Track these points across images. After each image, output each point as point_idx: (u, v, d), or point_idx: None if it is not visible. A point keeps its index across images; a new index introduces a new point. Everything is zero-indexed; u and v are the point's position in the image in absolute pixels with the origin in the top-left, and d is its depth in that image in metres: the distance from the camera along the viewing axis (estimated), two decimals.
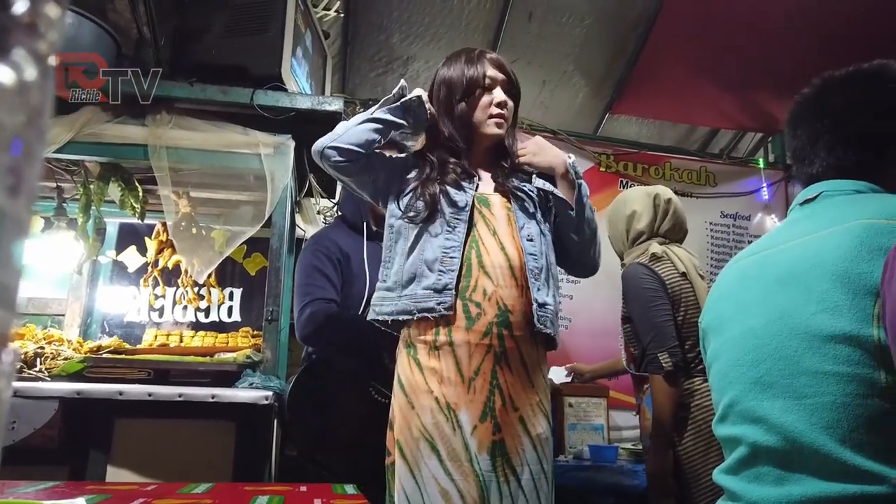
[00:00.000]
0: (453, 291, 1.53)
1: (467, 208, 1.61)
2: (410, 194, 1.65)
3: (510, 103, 1.70)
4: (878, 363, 0.85)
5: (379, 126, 1.62)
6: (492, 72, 1.70)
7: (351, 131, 1.61)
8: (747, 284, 1.11)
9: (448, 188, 1.63)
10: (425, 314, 1.53)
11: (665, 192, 2.34)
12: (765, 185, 3.93)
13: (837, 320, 0.89)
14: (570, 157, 1.69)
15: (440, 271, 1.55)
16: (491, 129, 1.67)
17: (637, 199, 2.32)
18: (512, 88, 1.73)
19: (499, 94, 1.68)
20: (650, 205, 2.29)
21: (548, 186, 1.67)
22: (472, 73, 1.68)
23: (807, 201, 1.09)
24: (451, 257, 1.56)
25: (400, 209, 1.65)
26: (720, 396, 1.11)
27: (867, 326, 0.86)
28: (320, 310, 1.99)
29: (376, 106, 1.64)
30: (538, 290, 1.58)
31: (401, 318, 1.57)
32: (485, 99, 1.68)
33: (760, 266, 1.10)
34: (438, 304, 1.53)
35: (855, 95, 1.08)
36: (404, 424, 1.53)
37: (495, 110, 1.67)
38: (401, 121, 1.64)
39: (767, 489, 0.96)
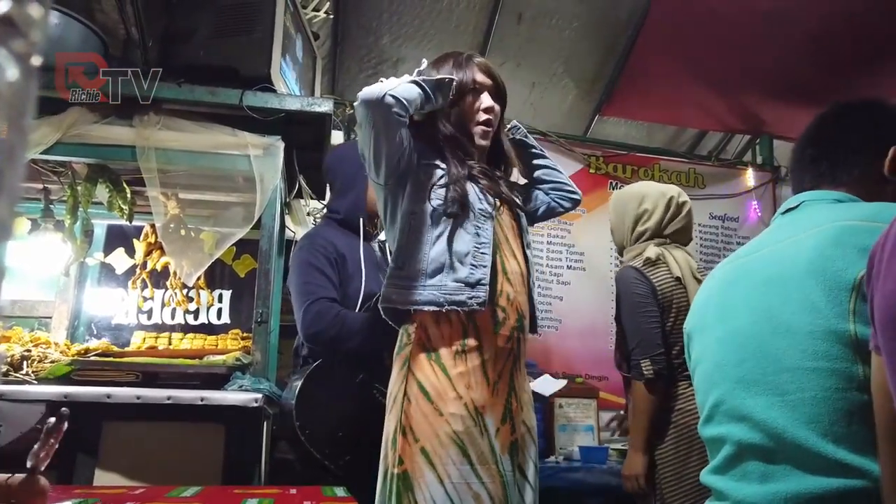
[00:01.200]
0: (487, 288, 1.52)
1: (494, 210, 1.62)
2: (444, 188, 1.60)
3: (497, 108, 1.70)
4: (856, 357, 0.88)
5: (420, 92, 1.56)
6: (480, 77, 1.69)
7: (403, 87, 1.53)
8: (731, 288, 1.15)
9: (475, 187, 1.63)
10: (455, 307, 1.50)
11: (681, 194, 2.32)
12: (753, 186, 3.95)
13: (816, 317, 0.92)
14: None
15: (472, 265, 1.53)
16: (476, 138, 1.68)
17: (651, 198, 2.28)
18: (499, 94, 1.72)
19: (486, 100, 1.67)
20: (664, 205, 2.26)
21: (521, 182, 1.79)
22: (460, 78, 1.67)
23: (789, 210, 1.15)
24: (482, 253, 1.55)
25: (428, 198, 1.60)
26: (705, 398, 1.13)
27: (844, 322, 0.89)
28: (326, 308, 1.92)
29: (410, 77, 1.57)
30: (536, 295, 1.67)
31: (426, 308, 1.52)
32: (473, 104, 1.68)
33: (743, 270, 1.14)
34: (470, 298, 1.50)
35: (840, 123, 1.16)
36: (430, 432, 1.48)
37: (482, 116, 1.67)
38: (432, 96, 1.59)
39: (753, 487, 0.98)
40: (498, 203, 1.66)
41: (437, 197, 1.59)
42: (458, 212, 1.56)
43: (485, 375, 1.52)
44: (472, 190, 1.62)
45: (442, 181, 1.61)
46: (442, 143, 1.67)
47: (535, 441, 1.61)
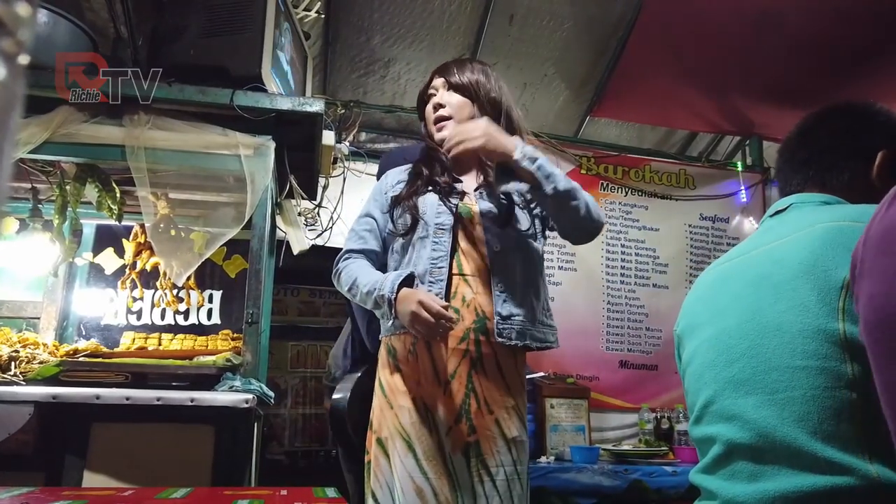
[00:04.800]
0: (444, 301, 1.56)
1: (451, 220, 1.64)
2: (399, 208, 1.69)
3: (453, 100, 1.72)
4: (845, 356, 0.89)
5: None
6: (433, 82, 1.77)
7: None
8: (721, 289, 1.16)
9: (433, 199, 1.67)
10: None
11: None
12: (743, 187, 3.97)
13: (805, 316, 0.93)
14: (518, 142, 1.58)
15: (430, 282, 1.59)
16: (437, 135, 1.72)
17: None
18: (452, 84, 1.73)
19: (435, 99, 1.74)
20: None
21: (512, 187, 1.65)
22: (420, 93, 1.79)
23: (777, 212, 1.16)
24: (438, 267, 1.60)
25: (390, 223, 1.71)
26: (695, 398, 1.14)
27: (833, 321, 0.90)
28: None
29: (371, 292, 1.60)
30: (503, 302, 1.59)
31: (399, 332, 1.61)
32: (429, 110, 1.75)
33: (733, 271, 1.15)
34: None
35: (831, 126, 1.17)
36: (384, 423, 1.58)
37: (433, 115, 1.73)
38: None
39: (742, 486, 0.98)
40: (467, 206, 1.67)
41: (396, 220, 1.70)
42: (407, 230, 1.65)
43: (435, 374, 1.56)
44: (431, 203, 1.66)
45: (399, 202, 1.69)
46: (427, 159, 1.75)
47: (517, 449, 1.56)
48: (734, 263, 1.17)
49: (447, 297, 1.58)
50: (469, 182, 1.74)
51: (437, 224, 1.63)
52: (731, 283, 1.13)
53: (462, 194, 1.70)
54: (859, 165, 1.10)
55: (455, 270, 1.61)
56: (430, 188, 1.69)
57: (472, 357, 1.56)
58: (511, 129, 1.71)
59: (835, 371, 0.89)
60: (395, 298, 1.52)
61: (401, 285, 1.54)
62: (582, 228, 1.67)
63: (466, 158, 1.66)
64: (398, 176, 1.78)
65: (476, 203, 1.68)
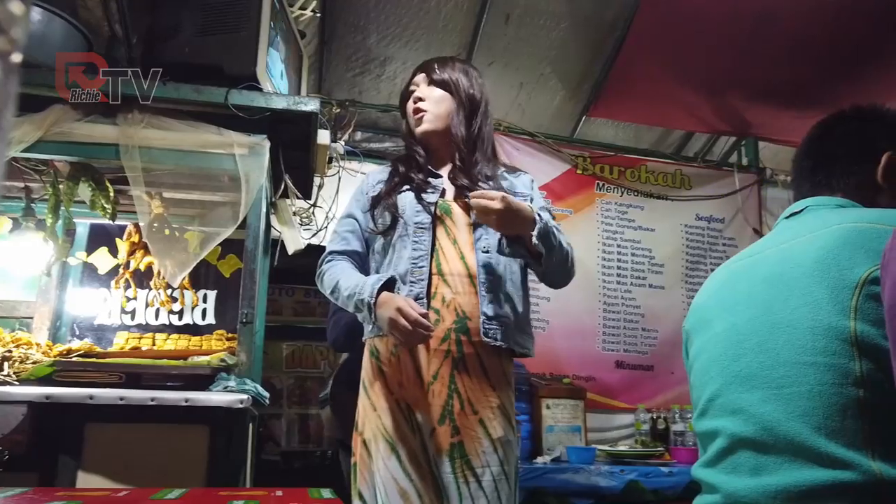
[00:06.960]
0: (425, 301, 1.56)
1: (430, 218, 1.63)
2: (378, 207, 1.70)
3: (433, 94, 1.73)
4: (854, 353, 0.90)
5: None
6: (415, 78, 1.78)
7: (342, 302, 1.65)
8: (733, 286, 1.17)
9: (411, 197, 1.66)
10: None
11: None
12: (738, 187, 3.98)
13: (817, 313, 0.94)
14: (538, 219, 1.52)
15: (411, 282, 1.59)
16: (416, 127, 1.74)
17: None
18: (433, 79, 1.75)
19: (415, 93, 1.75)
20: None
21: (514, 253, 1.59)
22: (403, 90, 1.81)
23: (793, 214, 1.17)
24: (419, 267, 1.59)
25: (371, 223, 1.71)
26: (700, 392, 1.15)
27: (845, 319, 0.91)
28: (336, 319, 2.31)
29: (351, 296, 1.59)
30: (489, 302, 1.58)
31: (382, 334, 1.59)
32: (409, 105, 1.76)
33: (746, 269, 1.16)
34: None
35: (839, 130, 1.18)
36: (368, 424, 1.58)
37: (412, 107, 1.74)
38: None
39: (744, 480, 0.99)
40: (446, 204, 1.67)
41: (375, 219, 1.71)
42: (387, 229, 1.65)
43: (418, 376, 1.55)
44: (410, 202, 1.65)
45: (378, 201, 1.71)
46: (405, 156, 1.77)
47: (503, 450, 1.54)
48: (747, 262, 1.18)
49: (427, 297, 1.57)
50: (447, 175, 1.73)
51: (416, 223, 1.63)
52: (744, 281, 1.14)
53: (443, 191, 1.69)
54: (864, 168, 1.11)
55: (434, 270, 1.60)
56: (407, 186, 1.69)
57: (454, 357, 1.55)
58: (482, 131, 1.73)
59: (843, 368, 0.90)
60: (375, 303, 1.51)
61: (381, 289, 1.52)
62: (555, 283, 1.72)
63: (442, 150, 1.74)
64: (378, 176, 1.79)
65: (458, 199, 1.68)
